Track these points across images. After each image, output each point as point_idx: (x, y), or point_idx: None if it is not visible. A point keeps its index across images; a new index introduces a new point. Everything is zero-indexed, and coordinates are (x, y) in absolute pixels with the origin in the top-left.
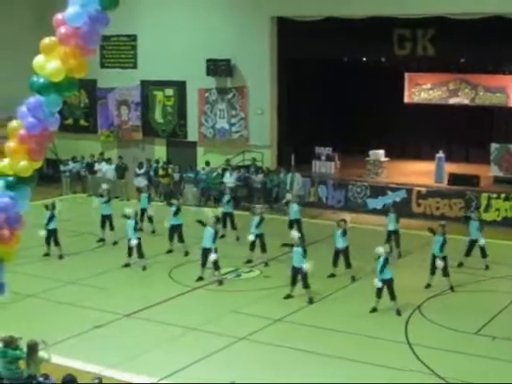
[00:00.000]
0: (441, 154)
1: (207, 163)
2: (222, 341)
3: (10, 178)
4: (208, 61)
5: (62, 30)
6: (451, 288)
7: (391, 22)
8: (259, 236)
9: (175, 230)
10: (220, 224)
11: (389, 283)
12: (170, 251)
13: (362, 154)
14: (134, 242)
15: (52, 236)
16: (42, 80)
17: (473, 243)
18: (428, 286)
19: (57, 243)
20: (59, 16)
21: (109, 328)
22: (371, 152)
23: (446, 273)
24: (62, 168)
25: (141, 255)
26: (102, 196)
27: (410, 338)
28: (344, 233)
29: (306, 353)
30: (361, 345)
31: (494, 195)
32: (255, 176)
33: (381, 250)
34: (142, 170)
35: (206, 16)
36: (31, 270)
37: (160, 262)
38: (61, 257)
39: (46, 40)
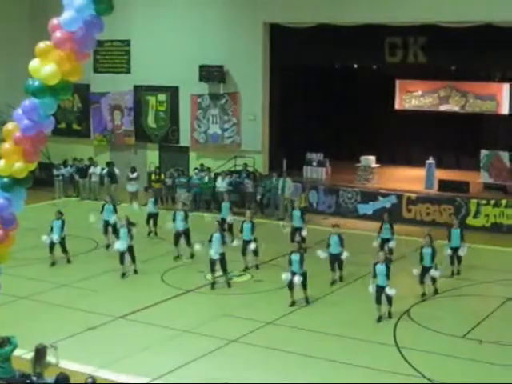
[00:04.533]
0: (431, 161)
1: (202, 166)
2: (213, 343)
3: (5, 180)
4: (201, 67)
5: (58, 34)
6: (435, 291)
7: (383, 29)
8: (254, 240)
9: (181, 235)
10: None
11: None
12: (177, 257)
13: (353, 160)
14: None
15: (61, 244)
16: (37, 83)
17: (454, 251)
18: (424, 294)
19: (65, 250)
20: (55, 21)
21: (102, 330)
22: (362, 158)
23: (434, 280)
24: (54, 172)
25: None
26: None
27: (398, 341)
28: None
29: (296, 355)
30: (350, 348)
31: (484, 201)
32: (247, 181)
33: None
34: (135, 175)
35: (199, 22)
36: (24, 272)
37: (153, 265)
38: (69, 261)
39: (42, 44)
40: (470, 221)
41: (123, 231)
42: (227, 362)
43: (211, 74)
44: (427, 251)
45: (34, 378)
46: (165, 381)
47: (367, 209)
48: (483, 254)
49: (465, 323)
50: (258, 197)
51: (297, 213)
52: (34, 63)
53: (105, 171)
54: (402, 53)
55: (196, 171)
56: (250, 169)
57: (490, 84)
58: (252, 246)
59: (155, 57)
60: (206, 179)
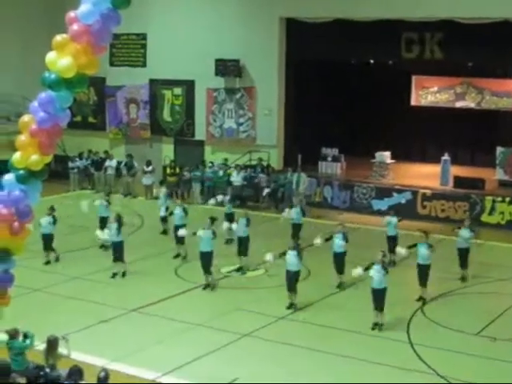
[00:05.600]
0: (446, 157)
1: (210, 162)
2: (225, 337)
3: (21, 172)
4: (217, 61)
5: (74, 27)
6: (421, 299)
7: (399, 25)
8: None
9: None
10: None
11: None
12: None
13: (368, 156)
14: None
15: (48, 241)
16: (53, 76)
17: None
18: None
19: (51, 248)
20: (72, 14)
21: (114, 322)
22: (377, 154)
23: (424, 283)
24: (69, 165)
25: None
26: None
27: (411, 338)
28: (344, 238)
29: (308, 350)
30: (363, 344)
31: (499, 198)
32: (261, 176)
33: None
34: (150, 168)
35: (215, 16)
36: (37, 264)
37: (166, 259)
38: (57, 259)
39: (58, 37)
40: (485, 218)
41: (113, 227)
42: (239, 356)
43: (227, 68)
44: (422, 251)
45: (48, 370)
46: (177, 375)
47: (382, 205)
48: (498, 252)
49: (479, 321)
50: (267, 191)
51: (296, 209)
52: (51, 56)
53: (122, 164)
54: (419, 48)
55: (210, 165)
56: (265, 163)
57: (507, 81)
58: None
59: (171, 50)
60: (221, 173)
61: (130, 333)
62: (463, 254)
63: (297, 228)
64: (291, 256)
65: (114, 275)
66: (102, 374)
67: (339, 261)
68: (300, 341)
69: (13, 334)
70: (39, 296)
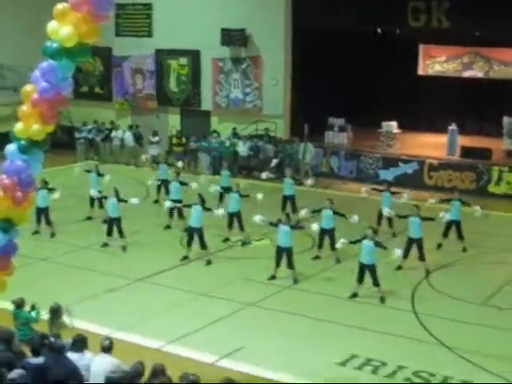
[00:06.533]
0: (453, 127)
1: (215, 132)
2: (231, 306)
3: (23, 142)
4: (223, 30)
5: None
6: (427, 272)
7: None
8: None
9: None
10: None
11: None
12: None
13: (375, 126)
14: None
15: (43, 214)
16: (54, 45)
17: (450, 224)
18: (399, 268)
19: (48, 222)
20: None
21: (120, 292)
22: (384, 123)
23: (422, 257)
24: (76, 135)
25: (121, 234)
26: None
27: (416, 308)
28: (335, 213)
29: (314, 320)
30: (368, 313)
31: (506, 168)
32: (268, 146)
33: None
34: (156, 139)
35: None
36: (42, 234)
37: (171, 229)
38: (53, 234)
39: (59, 6)
40: (491, 188)
41: (111, 202)
42: (244, 325)
43: (233, 37)
44: (414, 220)
45: (52, 339)
46: (181, 344)
47: (388, 174)
48: (504, 222)
49: (484, 290)
50: (275, 161)
51: (288, 180)
52: (52, 25)
53: (127, 134)
54: (426, 17)
55: (215, 135)
56: (272, 133)
57: None
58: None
59: (177, 20)
60: (227, 143)
61: (135, 302)
62: (456, 227)
63: (288, 200)
64: (281, 231)
65: (106, 245)
66: (106, 342)
67: (330, 238)
68: (306, 310)
69: (19, 304)
70: (45, 266)
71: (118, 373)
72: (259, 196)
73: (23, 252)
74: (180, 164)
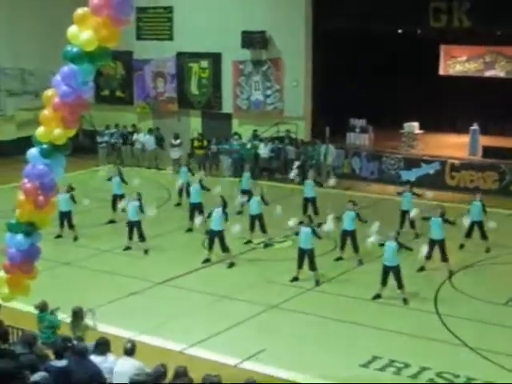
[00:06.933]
0: (475, 127)
1: (236, 134)
2: (253, 308)
3: (45, 146)
4: (243, 33)
5: (95, 0)
6: (450, 272)
7: None
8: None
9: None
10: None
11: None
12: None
13: (396, 127)
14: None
15: (66, 218)
16: (75, 49)
17: (473, 225)
18: (422, 269)
19: (71, 226)
20: None
21: (142, 295)
22: (406, 124)
23: (444, 258)
24: (98, 139)
25: (142, 238)
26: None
27: (439, 309)
28: (357, 215)
29: (337, 322)
30: (391, 314)
31: None
32: (289, 148)
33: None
34: (178, 141)
35: None
36: (67, 238)
37: (193, 232)
38: (76, 238)
39: (80, 11)
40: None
41: (133, 205)
42: (266, 327)
43: (253, 40)
44: (436, 221)
45: (75, 342)
46: (203, 347)
47: (410, 175)
48: None
49: (506, 291)
50: (297, 163)
51: (309, 182)
52: (72, 30)
53: (146, 137)
54: (447, 17)
55: (236, 137)
56: (293, 135)
57: None
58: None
59: (198, 23)
60: (249, 145)
61: (158, 305)
62: (479, 227)
63: (309, 202)
64: (303, 233)
65: (128, 248)
66: (129, 345)
67: (352, 239)
68: (327, 312)
69: (42, 307)
70: (67, 269)
71: (142, 375)
72: (278, 209)
73: (46, 256)
74: (202, 173)
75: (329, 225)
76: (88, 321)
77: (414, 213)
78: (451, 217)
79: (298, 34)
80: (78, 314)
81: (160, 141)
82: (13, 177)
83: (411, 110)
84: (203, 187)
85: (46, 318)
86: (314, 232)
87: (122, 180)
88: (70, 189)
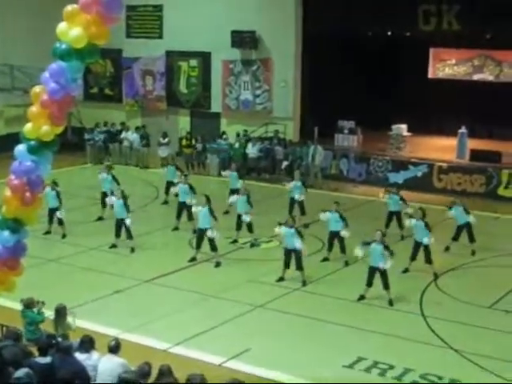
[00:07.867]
0: (463, 130)
1: (224, 134)
2: (238, 308)
3: (32, 143)
4: (233, 32)
5: None
6: (435, 275)
7: None
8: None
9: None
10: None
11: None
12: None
13: (385, 129)
14: (127, 221)
15: (55, 214)
16: (64, 46)
17: (461, 228)
18: (406, 270)
19: (60, 222)
20: None
21: (128, 293)
22: (394, 126)
23: (428, 260)
24: (86, 136)
25: (129, 236)
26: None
27: (424, 311)
28: (341, 217)
29: (322, 322)
30: (376, 316)
31: None
32: (277, 148)
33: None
34: (166, 140)
35: None
36: (54, 235)
37: (179, 231)
38: (64, 236)
39: (69, 7)
40: (501, 191)
41: (119, 203)
42: (252, 327)
43: (243, 39)
44: (419, 224)
45: (59, 339)
46: (188, 346)
47: (398, 178)
48: None
49: (492, 294)
50: (285, 163)
51: (297, 183)
52: (62, 26)
53: (134, 135)
54: (436, 20)
55: (224, 137)
56: (281, 136)
57: None
58: (246, 219)
59: (187, 22)
60: (237, 145)
61: (143, 304)
62: (467, 229)
63: (296, 202)
64: (286, 234)
65: (114, 246)
66: (113, 343)
67: (339, 240)
68: (313, 312)
69: (28, 304)
70: (53, 266)
71: (130, 373)
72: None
73: (32, 252)
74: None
75: (357, 252)
76: (69, 319)
77: (408, 210)
78: (437, 219)
79: (287, 34)
80: (60, 312)
81: (145, 139)
82: (1, 174)
83: (400, 113)
84: (192, 187)
85: (28, 314)
86: (297, 232)
87: (114, 179)
88: (54, 185)
